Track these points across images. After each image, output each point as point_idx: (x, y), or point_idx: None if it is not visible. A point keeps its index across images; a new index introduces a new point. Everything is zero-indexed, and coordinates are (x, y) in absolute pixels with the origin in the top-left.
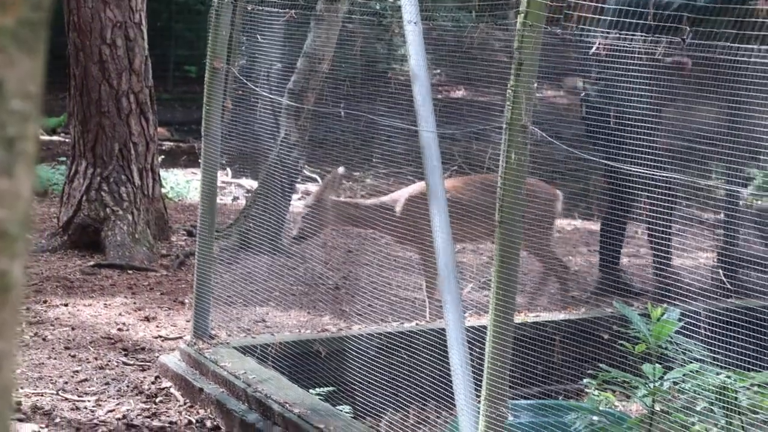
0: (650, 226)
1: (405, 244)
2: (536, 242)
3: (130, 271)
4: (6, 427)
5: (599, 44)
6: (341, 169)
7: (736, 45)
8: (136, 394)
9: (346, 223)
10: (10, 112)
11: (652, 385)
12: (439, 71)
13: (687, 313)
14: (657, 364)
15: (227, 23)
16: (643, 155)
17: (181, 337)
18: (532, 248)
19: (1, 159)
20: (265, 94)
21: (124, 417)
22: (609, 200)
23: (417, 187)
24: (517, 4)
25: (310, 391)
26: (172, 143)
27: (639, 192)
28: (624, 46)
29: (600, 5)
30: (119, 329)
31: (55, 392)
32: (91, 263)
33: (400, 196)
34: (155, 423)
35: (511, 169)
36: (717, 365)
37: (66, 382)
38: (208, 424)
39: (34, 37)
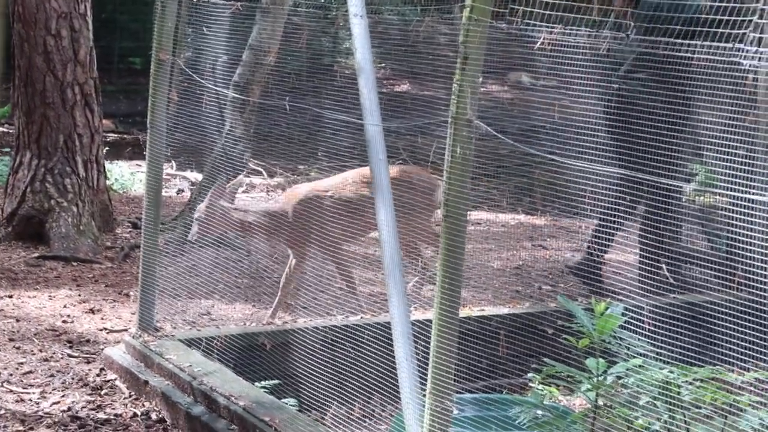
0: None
1: (305, 249)
2: (416, 230)
3: (74, 263)
4: None
5: (544, 39)
6: (241, 178)
7: (680, 41)
8: (81, 387)
9: (238, 230)
10: None
11: (595, 379)
12: (384, 65)
13: (645, 308)
14: (600, 359)
15: (173, 15)
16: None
17: (126, 330)
18: (413, 236)
19: None
20: (210, 86)
21: (69, 409)
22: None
23: (303, 189)
24: None
25: (256, 384)
26: (116, 135)
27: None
28: (568, 42)
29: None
30: (64, 321)
31: None
32: (36, 255)
33: (287, 201)
34: (100, 415)
35: (456, 163)
36: (660, 360)
37: (11, 374)
38: (154, 416)
39: None
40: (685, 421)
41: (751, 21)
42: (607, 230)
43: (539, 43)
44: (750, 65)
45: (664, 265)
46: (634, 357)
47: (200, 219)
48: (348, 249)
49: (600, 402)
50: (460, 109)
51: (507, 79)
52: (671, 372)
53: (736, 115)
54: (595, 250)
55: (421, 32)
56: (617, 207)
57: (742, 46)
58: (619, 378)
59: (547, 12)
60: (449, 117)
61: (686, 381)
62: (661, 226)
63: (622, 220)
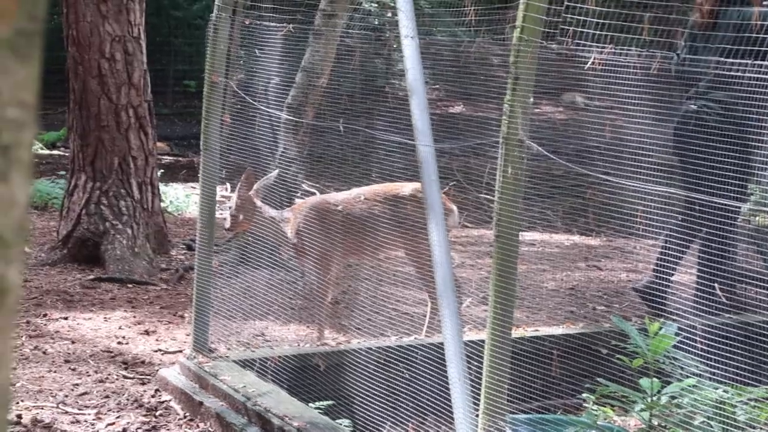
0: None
1: (301, 259)
2: (419, 253)
3: (129, 285)
4: (4, 430)
5: (594, 59)
6: (272, 174)
7: (730, 60)
8: (136, 408)
9: (259, 225)
10: (6, 120)
11: (649, 399)
12: (438, 86)
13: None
14: (655, 379)
15: (225, 37)
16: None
17: (180, 351)
18: (415, 259)
19: None
20: (263, 108)
21: (124, 430)
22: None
23: (315, 199)
24: (514, 18)
25: (310, 404)
26: (171, 158)
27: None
28: (619, 61)
29: (596, 20)
30: (119, 343)
31: (55, 405)
32: (91, 277)
33: (297, 209)
34: None
35: (507, 184)
36: (715, 380)
37: (66, 396)
38: None
39: (29, 46)
40: None
41: None
42: (674, 251)
43: (589, 62)
44: None
45: (717, 285)
46: (689, 377)
47: (231, 210)
48: (337, 267)
49: (654, 422)
50: (511, 129)
51: (561, 99)
52: (726, 392)
53: None
54: (662, 271)
55: (472, 53)
56: (681, 228)
57: None
58: (674, 398)
59: (599, 32)
60: (500, 137)
61: (741, 401)
62: (718, 246)
63: (687, 241)
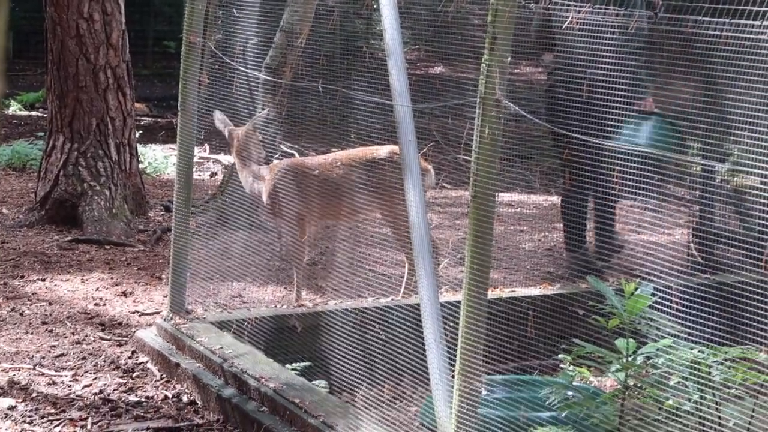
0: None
1: (276, 219)
2: (396, 215)
3: (107, 247)
4: None
5: (572, 18)
6: (264, 113)
7: (707, 19)
8: (113, 369)
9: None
10: None
11: (625, 360)
12: (418, 47)
13: (659, 288)
14: (631, 339)
15: None
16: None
17: (158, 313)
18: (392, 221)
19: None
20: (242, 69)
21: (101, 392)
22: (575, 175)
23: (291, 160)
24: None
25: (286, 366)
26: (150, 119)
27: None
28: (596, 20)
29: None
30: (96, 304)
31: (32, 367)
32: (69, 238)
33: (272, 168)
34: (132, 398)
35: (484, 144)
36: (690, 340)
37: (43, 357)
38: (185, 398)
39: None
40: (716, 402)
41: None
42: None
43: (567, 22)
44: None
45: (693, 245)
46: (664, 337)
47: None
48: (313, 229)
49: (630, 382)
50: (488, 89)
51: (542, 60)
52: (701, 352)
53: (765, 94)
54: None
55: (451, 13)
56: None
57: None
58: (649, 358)
59: None
60: (478, 97)
61: (716, 361)
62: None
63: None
